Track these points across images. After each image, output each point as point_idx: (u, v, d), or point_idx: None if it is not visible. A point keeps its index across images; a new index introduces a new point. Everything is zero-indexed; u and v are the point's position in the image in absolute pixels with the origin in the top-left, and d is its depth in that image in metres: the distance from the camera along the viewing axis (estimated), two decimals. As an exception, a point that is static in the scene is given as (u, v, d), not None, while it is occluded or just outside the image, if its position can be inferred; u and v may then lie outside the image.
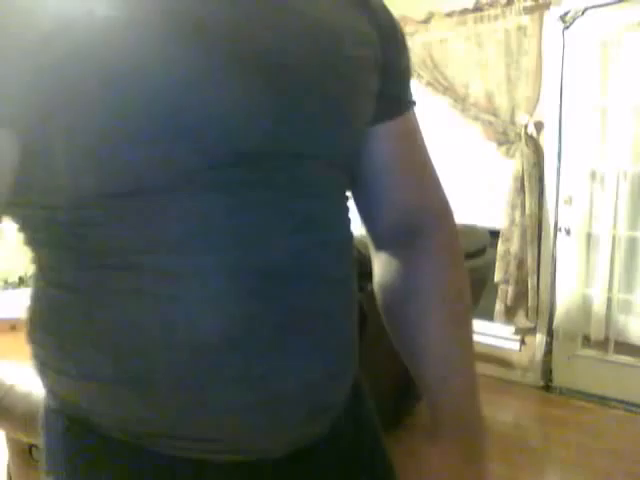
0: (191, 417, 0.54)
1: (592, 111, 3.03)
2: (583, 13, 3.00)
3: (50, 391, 0.61)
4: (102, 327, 0.53)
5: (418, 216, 0.71)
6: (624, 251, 3.03)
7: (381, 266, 0.73)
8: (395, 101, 0.68)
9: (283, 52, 0.54)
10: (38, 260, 0.58)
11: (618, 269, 3.03)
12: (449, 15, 3.34)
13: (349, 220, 0.65)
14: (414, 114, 0.71)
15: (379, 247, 0.74)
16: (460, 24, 3.31)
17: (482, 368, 2.96)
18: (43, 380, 0.61)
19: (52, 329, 0.57)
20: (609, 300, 3.05)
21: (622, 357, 3.06)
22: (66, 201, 0.51)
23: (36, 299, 0.59)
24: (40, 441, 0.63)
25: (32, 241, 0.57)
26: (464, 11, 3.31)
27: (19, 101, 0.46)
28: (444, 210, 0.74)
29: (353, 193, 0.70)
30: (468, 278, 0.74)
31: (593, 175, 3.08)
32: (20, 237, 0.59)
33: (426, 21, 3.40)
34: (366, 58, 0.62)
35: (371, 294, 0.76)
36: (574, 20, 3.03)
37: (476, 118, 3.29)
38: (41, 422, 0.63)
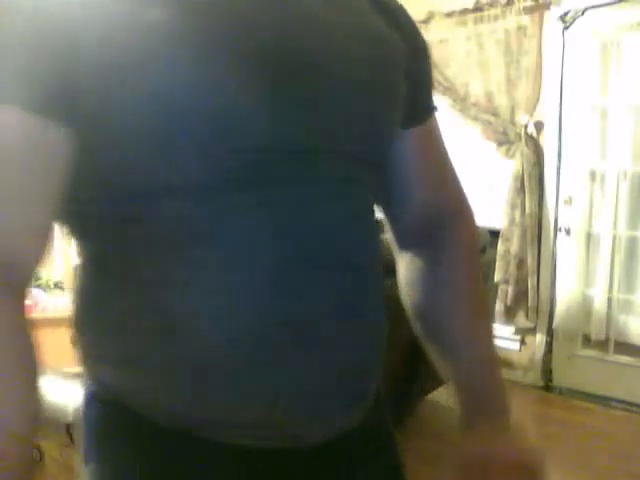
0: (238, 404, 0.56)
1: (592, 111, 3.03)
2: (583, 13, 3.00)
3: (95, 379, 0.63)
4: (154, 317, 0.55)
5: (440, 214, 0.75)
6: (624, 251, 3.04)
7: (406, 264, 0.76)
8: (420, 108, 0.73)
9: (327, 56, 0.57)
10: (89, 253, 0.60)
11: (618, 269, 3.03)
12: (449, 15, 3.34)
13: (375, 218, 0.68)
14: (435, 118, 0.75)
15: (403, 246, 0.77)
16: (460, 24, 3.31)
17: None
18: (88, 368, 0.63)
19: (103, 319, 0.59)
20: (609, 300, 3.05)
21: (622, 357, 3.06)
22: (127, 196, 0.54)
23: (85, 290, 0.61)
24: (79, 430, 0.65)
25: (85, 236, 0.59)
26: (464, 11, 3.31)
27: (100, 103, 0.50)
28: (464, 208, 0.78)
29: (378, 196, 0.72)
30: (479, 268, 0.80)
31: (593, 175, 3.09)
32: (67, 231, 0.61)
33: (426, 21, 3.39)
34: (398, 65, 0.66)
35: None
36: (574, 20, 3.03)
37: (476, 118, 3.29)
38: (82, 411, 0.65)
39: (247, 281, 0.54)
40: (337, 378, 0.59)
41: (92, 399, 0.63)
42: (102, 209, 0.56)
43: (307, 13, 0.59)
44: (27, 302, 0.53)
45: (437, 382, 2.73)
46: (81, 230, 0.60)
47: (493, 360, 0.75)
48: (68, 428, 1.39)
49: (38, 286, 3.47)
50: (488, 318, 0.79)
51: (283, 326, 0.55)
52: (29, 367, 0.49)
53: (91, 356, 0.62)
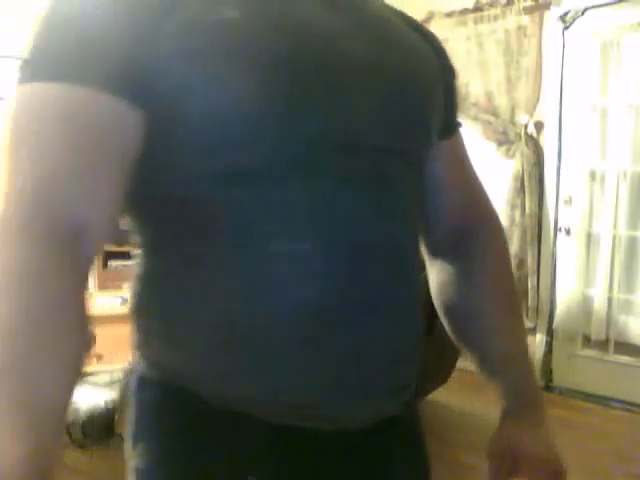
0: (293, 385, 0.59)
1: (592, 111, 3.03)
2: (583, 13, 3.00)
3: (149, 363, 0.65)
4: (217, 299, 0.59)
5: (470, 222, 0.79)
6: (624, 251, 3.04)
7: (438, 271, 0.81)
8: (450, 123, 0.78)
9: (392, 68, 0.65)
10: (152, 238, 0.63)
11: (618, 269, 3.03)
12: (449, 15, 3.35)
13: (416, 216, 0.73)
14: (460, 133, 0.82)
15: (435, 254, 0.81)
16: (460, 24, 3.32)
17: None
18: (142, 352, 0.66)
19: (165, 302, 0.62)
20: (609, 300, 3.06)
21: (622, 357, 3.06)
22: (197, 179, 0.57)
23: (147, 275, 0.64)
24: (128, 411, 0.67)
25: (150, 220, 0.63)
26: (464, 11, 3.31)
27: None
28: (493, 215, 0.83)
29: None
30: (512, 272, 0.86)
31: (593, 175, 3.09)
32: (131, 217, 0.64)
33: (426, 21, 3.39)
34: (437, 76, 0.73)
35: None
36: (574, 20, 3.03)
37: (476, 118, 3.29)
38: (133, 393, 0.67)
39: (295, 265, 0.58)
40: (384, 365, 0.63)
41: (145, 382, 0.66)
42: (172, 192, 0.59)
43: (358, 25, 0.64)
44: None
45: (437, 382, 2.73)
46: (147, 214, 0.63)
47: (526, 356, 0.80)
48: (68, 428, 1.39)
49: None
50: (520, 317, 0.85)
51: (339, 309, 0.59)
52: (75, 364, 0.51)
53: (147, 340, 0.65)
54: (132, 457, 0.65)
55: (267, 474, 0.62)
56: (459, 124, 0.81)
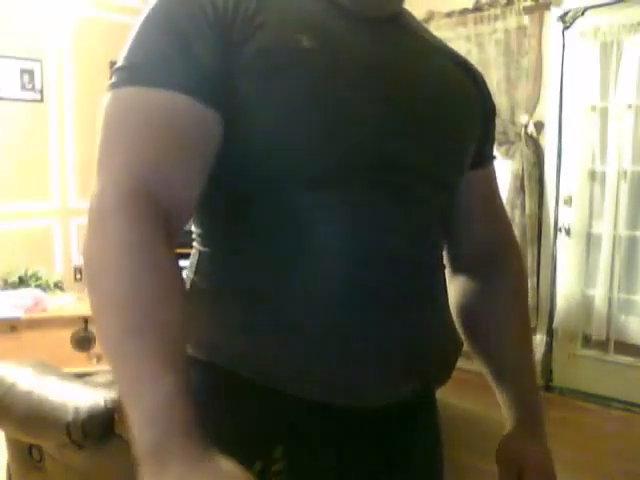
0: (325, 364, 0.65)
1: (592, 111, 3.03)
2: (583, 13, 3.00)
3: (195, 343, 0.70)
4: (262, 288, 0.66)
5: (493, 244, 0.88)
6: (624, 251, 3.04)
7: (459, 286, 0.88)
8: (485, 155, 0.87)
9: (436, 99, 0.73)
10: (212, 229, 0.71)
11: (618, 269, 3.03)
12: (449, 15, 3.35)
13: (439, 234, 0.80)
14: (494, 165, 0.90)
15: (457, 270, 0.88)
16: (460, 24, 3.32)
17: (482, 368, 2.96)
18: (197, 335, 0.71)
19: (220, 289, 0.69)
20: (609, 300, 3.06)
21: (622, 357, 3.06)
22: (263, 181, 0.65)
23: (204, 265, 0.72)
24: None
25: (213, 214, 0.70)
26: (464, 11, 3.31)
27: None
28: (513, 240, 0.94)
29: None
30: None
31: (593, 175, 3.09)
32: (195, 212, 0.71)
33: (426, 21, 3.39)
34: (477, 115, 0.81)
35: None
36: (574, 20, 3.03)
37: (476, 118, 3.29)
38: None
39: (340, 265, 0.65)
40: (413, 350, 0.69)
41: (190, 362, 0.71)
42: (230, 189, 0.67)
43: (411, 57, 0.73)
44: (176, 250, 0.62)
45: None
46: (207, 210, 0.70)
47: (534, 373, 0.88)
48: (68, 427, 1.39)
49: (38, 286, 3.47)
50: (530, 334, 0.92)
51: (376, 298, 0.66)
52: (183, 309, 0.59)
53: (198, 321, 0.70)
54: None
55: (295, 445, 0.67)
56: (493, 157, 0.90)
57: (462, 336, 0.87)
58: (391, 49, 0.72)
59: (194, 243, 0.74)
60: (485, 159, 0.87)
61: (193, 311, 0.70)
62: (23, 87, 3.76)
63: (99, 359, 3.01)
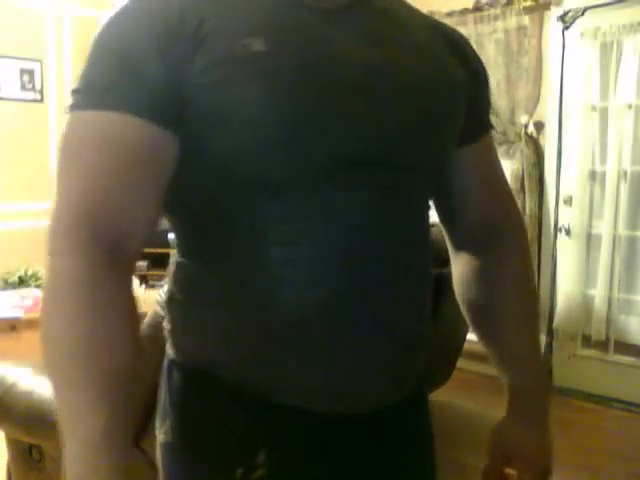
0: (311, 371, 0.65)
1: (592, 111, 3.03)
2: (583, 13, 3.00)
3: (178, 350, 0.72)
4: (244, 297, 0.65)
5: (499, 220, 0.83)
6: (624, 251, 3.04)
7: (462, 265, 0.84)
8: (480, 128, 0.82)
9: (410, 85, 0.68)
10: (186, 238, 0.70)
11: (618, 269, 3.03)
12: (449, 15, 3.34)
13: (429, 224, 0.77)
14: (490, 135, 0.85)
15: (459, 248, 0.84)
16: (460, 24, 3.31)
17: (482, 368, 2.96)
18: (174, 339, 0.72)
19: (198, 296, 0.69)
20: (609, 300, 3.05)
21: (622, 357, 3.06)
22: (229, 191, 0.64)
23: (177, 269, 0.72)
24: (159, 393, 0.74)
25: (184, 224, 0.70)
26: (464, 11, 3.31)
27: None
28: (518, 217, 0.88)
29: (436, 201, 0.82)
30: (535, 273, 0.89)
31: (593, 175, 3.09)
32: (171, 223, 0.72)
33: (426, 21, 3.39)
34: (460, 95, 0.74)
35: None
36: (574, 20, 3.03)
37: (476, 118, 3.29)
38: (164, 376, 0.73)
39: (326, 269, 0.64)
40: (393, 354, 0.68)
41: (174, 365, 0.72)
42: (195, 206, 0.67)
43: (373, 44, 0.68)
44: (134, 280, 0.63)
45: (437, 382, 2.73)
46: (179, 223, 0.70)
47: (539, 357, 0.85)
48: (68, 428, 1.39)
49: (38, 286, 3.47)
50: (537, 317, 0.88)
51: (337, 313, 0.64)
52: (133, 340, 0.60)
53: (178, 328, 0.72)
54: (160, 433, 0.72)
55: (277, 450, 0.68)
56: (489, 126, 0.84)
57: (465, 317, 0.85)
58: (353, 41, 0.67)
59: (173, 252, 0.74)
60: (479, 131, 0.82)
61: (173, 320, 0.72)
62: (23, 87, 3.76)
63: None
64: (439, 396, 3.04)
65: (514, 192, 3.17)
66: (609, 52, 2.95)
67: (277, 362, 0.65)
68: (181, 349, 0.71)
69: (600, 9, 2.95)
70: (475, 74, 0.79)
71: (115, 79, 0.60)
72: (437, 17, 3.18)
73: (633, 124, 2.92)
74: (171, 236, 0.74)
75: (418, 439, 0.79)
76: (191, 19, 0.61)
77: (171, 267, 0.74)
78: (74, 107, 0.61)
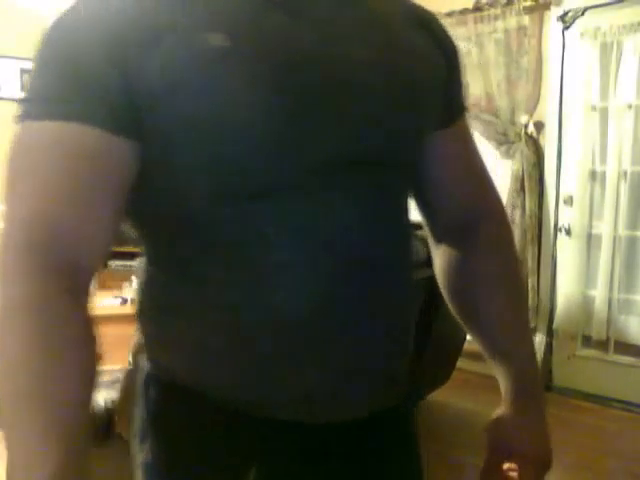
0: (287, 384, 0.63)
1: (592, 111, 3.03)
2: (583, 13, 3.00)
3: (155, 363, 0.68)
4: (215, 309, 0.62)
5: (477, 209, 0.80)
6: (624, 251, 3.04)
7: (443, 255, 0.81)
8: (454, 110, 0.78)
9: (363, 75, 0.63)
10: (154, 250, 0.67)
11: (618, 269, 3.03)
12: (449, 15, 3.34)
13: (409, 217, 0.74)
14: (465, 118, 0.81)
15: (440, 239, 0.81)
16: (460, 24, 3.31)
17: (482, 368, 2.96)
18: (150, 353, 0.69)
19: (168, 309, 0.66)
20: (609, 300, 3.05)
21: (622, 357, 3.06)
22: (192, 201, 0.60)
23: (150, 283, 0.68)
24: (136, 409, 0.70)
25: (151, 237, 0.67)
26: (464, 11, 3.31)
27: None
28: (498, 203, 0.83)
29: (414, 191, 0.78)
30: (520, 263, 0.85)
31: (593, 175, 3.09)
32: (136, 233, 0.68)
33: (426, 21, 3.39)
34: (432, 78, 0.71)
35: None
36: (574, 20, 3.03)
37: (476, 118, 3.29)
38: (139, 392, 0.70)
39: (296, 278, 0.61)
40: (372, 361, 0.66)
41: (151, 381, 0.69)
42: (161, 214, 0.63)
43: (343, 36, 0.64)
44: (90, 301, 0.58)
45: (437, 382, 2.73)
46: (149, 232, 0.67)
47: (529, 344, 0.81)
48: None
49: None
50: (525, 305, 0.86)
51: (329, 315, 0.62)
52: (87, 368, 0.55)
53: (153, 342, 0.68)
54: (139, 452, 0.68)
55: (269, 465, 0.65)
56: (464, 108, 0.80)
57: (452, 311, 0.82)
58: (318, 32, 0.62)
59: (139, 260, 0.70)
60: (454, 114, 0.78)
61: (148, 333, 0.69)
62: (23, 87, 3.76)
63: (99, 359, 3.00)
64: (439, 396, 3.04)
65: (514, 192, 3.17)
66: (609, 52, 2.95)
67: (266, 373, 0.62)
68: (160, 364, 0.68)
69: (600, 9, 2.95)
70: (448, 55, 0.75)
71: (64, 87, 0.56)
72: (437, 17, 3.13)
73: (633, 124, 2.92)
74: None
75: (406, 445, 0.78)
76: (144, 20, 0.56)
77: (139, 276, 0.69)
78: (25, 117, 0.57)
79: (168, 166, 0.59)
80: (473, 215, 0.79)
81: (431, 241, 0.82)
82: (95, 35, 0.56)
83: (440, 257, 0.81)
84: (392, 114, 0.65)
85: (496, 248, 0.80)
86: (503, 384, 0.79)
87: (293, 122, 0.59)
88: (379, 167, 0.65)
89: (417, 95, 0.68)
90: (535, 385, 0.79)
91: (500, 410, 0.78)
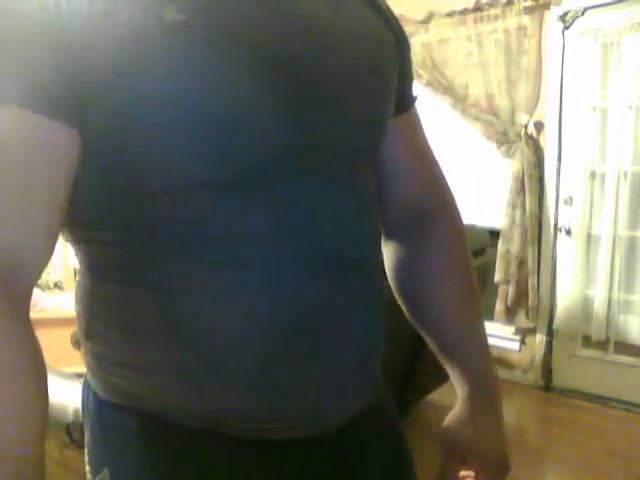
0: (262, 399, 0.58)
1: (592, 111, 3.03)
2: (583, 13, 3.00)
3: (107, 385, 0.62)
4: (170, 320, 0.56)
5: (426, 200, 0.77)
6: (624, 251, 3.03)
7: (393, 251, 0.78)
8: (405, 97, 0.75)
9: (331, 59, 0.60)
10: (97, 259, 0.59)
11: (618, 269, 3.03)
12: (449, 15, 3.34)
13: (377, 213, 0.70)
14: (416, 108, 0.78)
15: (389, 234, 0.78)
16: (460, 24, 3.31)
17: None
18: (99, 374, 0.63)
19: (117, 325, 0.59)
20: (609, 300, 3.05)
21: (622, 357, 3.05)
22: (140, 197, 0.54)
23: (94, 297, 0.61)
24: (88, 436, 0.65)
25: (93, 241, 0.59)
26: (464, 11, 3.31)
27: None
28: (448, 194, 0.80)
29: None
30: (471, 256, 0.81)
31: (593, 175, 3.08)
32: (70, 237, 0.61)
33: (426, 21, 3.39)
34: (393, 61, 0.69)
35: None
36: (574, 20, 3.03)
37: (476, 118, 3.29)
38: (92, 417, 0.64)
39: (260, 280, 0.56)
40: (346, 367, 0.62)
41: (105, 405, 0.63)
42: (114, 212, 0.56)
43: (312, 19, 0.60)
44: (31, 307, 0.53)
45: (437, 382, 2.73)
46: (89, 235, 0.59)
47: (482, 340, 0.77)
48: (68, 428, 1.39)
49: (37, 286, 3.47)
50: (478, 302, 0.80)
51: (295, 322, 0.57)
52: (34, 374, 0.51)
53: (103, 363, 0.62)
54: None
55: None
56: (414, 98, 0.78)
57: (402, 307, 0.79)
58: (283, 10, 0.58)
59: (79, 277, 0.63)
60: (406, 102, 0.75)
61: (98, 355, 0.62)
62: None
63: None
64: (439, 396, 3.04)
65: (514, 192, 3.18)
66: (609, 52, 2.95)
67: (236, 389, 0.57)
68: (115, 388, 0.61)
69: (600, 9, 2.94)
70: (400, 40, 0.73)
71: (2, 70, 0.49)
72: (437, 17, 3.16)
73: (633, 124, 2.92)
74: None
75: (389, 453, 0.74)
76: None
77: (81, 292, 0.62)
78: None
79: (125, 154, 0.53)
80: (425, 206, 0.77)
81: (382, 237, 0.79)
82: (32, 13, 0.49)
83: (390, 252, 0.79)
84: (358, 99, 0.62)
85: (446, 245, 0.77)
86: (457, 386, 0.76)
87: (254, 104, 0.54)
88: (351, 154, 0.62)
89: (382, 77, 0.66)
90: (490, 386, 0.76)
91: (454, 413, 0.76)
